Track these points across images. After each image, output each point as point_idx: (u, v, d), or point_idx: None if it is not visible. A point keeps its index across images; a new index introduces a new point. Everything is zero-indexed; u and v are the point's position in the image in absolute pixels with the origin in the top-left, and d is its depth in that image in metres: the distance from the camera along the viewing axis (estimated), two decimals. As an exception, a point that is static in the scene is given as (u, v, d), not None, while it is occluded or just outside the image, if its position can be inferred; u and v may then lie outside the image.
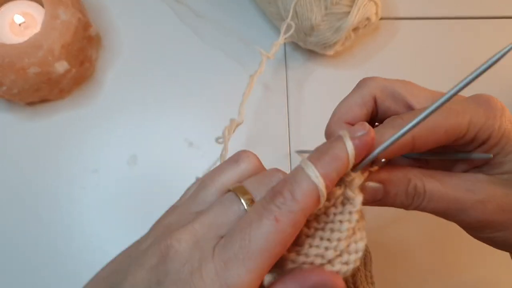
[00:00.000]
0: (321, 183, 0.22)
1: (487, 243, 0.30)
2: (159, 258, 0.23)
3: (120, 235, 0.48)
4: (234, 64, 0.55)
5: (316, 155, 0.23)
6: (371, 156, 0.25)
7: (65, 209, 0.49)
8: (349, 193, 0.24)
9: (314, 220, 0.25)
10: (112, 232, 0.48)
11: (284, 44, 0.55)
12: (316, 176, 0.22)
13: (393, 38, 0.56)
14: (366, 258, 0.34)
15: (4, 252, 0.48)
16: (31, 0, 0.50)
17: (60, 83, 0.49)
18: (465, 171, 0.29)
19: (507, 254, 0.32)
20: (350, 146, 0.23)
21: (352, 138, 0.24)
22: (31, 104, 0.52)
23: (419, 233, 0.49)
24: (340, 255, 0.24)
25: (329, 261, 0.24)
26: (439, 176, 0.28)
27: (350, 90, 0.55)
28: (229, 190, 0.25)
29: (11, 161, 0.51)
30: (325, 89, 0.54)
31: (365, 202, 0.25)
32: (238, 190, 0.24)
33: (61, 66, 0.47)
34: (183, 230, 0.23)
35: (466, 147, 0.28)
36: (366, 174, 0.26)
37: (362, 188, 0.25)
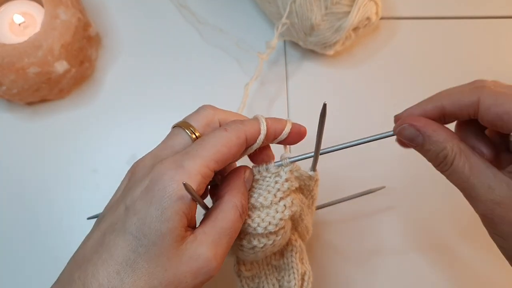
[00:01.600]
0: (264, 123, 0.32)
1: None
2: (128, 177, 0.32)
3: (120, 235, 0.47)
4: (234, 64, 0.55)
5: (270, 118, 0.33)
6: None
7: (65, 209, 0.49)
8: (282, 172, 0.33)
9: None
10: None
11: (284, 43, 0.55)
12: (263, 121, 0.32)
13: (393, 37, 0.56)
14: (304, 275, 0.38)
15: (4, 252, 0.48)
16: (31, 0, 0.50)
17: (59, 83, 0.49)
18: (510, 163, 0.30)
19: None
20: (289, 124, 0.34)
21: (293, 125, 0.34)
22: (31, 104, 0.52)
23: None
24: (268, 207, 0.33)
25: (258, 209, 0.33)
26: (474, 159, 0.29)
27: (350, 90, 0.55)
28: (175, 126, 0.34)
29: (11, 160, 0.51)
30: (325, 89, 0.54)
31: (406, 141, 0.31)
32: (179, 124, 0.34)
33: (60, 66, 0.47)
34: (145, 156, 0.32)
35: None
36: (295, 167, 0.35)
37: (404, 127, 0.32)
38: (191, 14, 0.55)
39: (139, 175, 0.30)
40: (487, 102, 0.29)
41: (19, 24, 0.49)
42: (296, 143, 0.34)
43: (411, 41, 0.56)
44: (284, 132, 0.33)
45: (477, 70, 0.55)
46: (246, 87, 0.50)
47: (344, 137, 0.53)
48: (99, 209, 0.50)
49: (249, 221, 0.32)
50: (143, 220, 0.28)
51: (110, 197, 0.50)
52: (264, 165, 0.33)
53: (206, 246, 0.28)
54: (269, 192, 0.33)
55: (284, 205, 0.33)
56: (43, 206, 0.49)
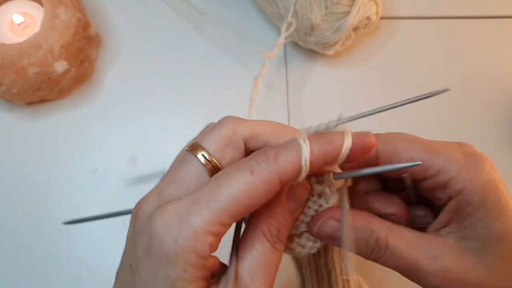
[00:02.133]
0: (307, 155, 0.23)
1: None
2: (132, 224, 0.26)
3: (120, 235, 0.47)
4: (234, 63, 0.54)
5: (315, 135, 0.24)
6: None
7: (65, 208, 0.49)
8: (327, 190, 0.27)
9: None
10: (112, 232, 0.48)
11: (284, 44, 0.55)
12: (306, 149, 0.23)
13: (393, 37, 0.56)
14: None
15: (3, 252, 0.48)
16: (31, 0, 0.50)
17: (59, 83, 0.49)
18: (442, 227, 0.27)
19: None
20: (348, 139, 0.24)
21: (353, 135, 0.24)
22: (30, 104, 0.52)
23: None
24: (300, 235, 0.27)
25: (289, 236, 0.27)
26: (407, 235, 0.26)
27: (350, 90, 0.55)
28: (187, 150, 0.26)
29: (10, 160, 0.51)
30: (325, 89, 0.54)
31: (325, 238, 0.27)
32: (190, 147, 0.25)
33: (60, 66, 0.47)
34: (149, 192, 0.26)
35: (436, 193, 0.27)
36: (348, 182, 0.27)
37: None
38: (191, 13, 0.55)
39: (140, 223, 0.25)
40: (384, 152, 0.27)
41: (19, 24, 0.49)
42: (361, 158, 0.25)
43: (411, 41, 0.56)
44: (341, 155, 0.24)
45: (477, 69, 0.55)
46: (255, 81, 0.49)
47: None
48: (99, 209, 0.50)
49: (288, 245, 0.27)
50: None
51: (110, 197, 0.50)
52: None
53: None
54: (305, 214, 0.27)
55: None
56: (43, 206, 0.49)
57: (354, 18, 0.48)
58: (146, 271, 0.23)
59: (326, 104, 0.53)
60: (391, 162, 0.26)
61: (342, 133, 0.24)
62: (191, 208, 0.23)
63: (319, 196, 0.27)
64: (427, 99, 0.30)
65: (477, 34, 0.57)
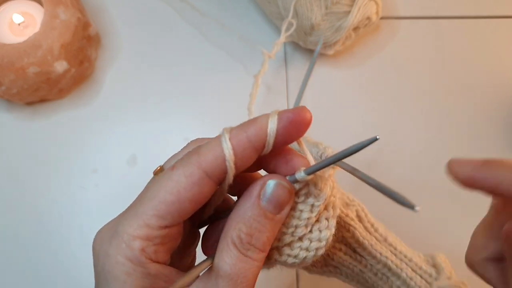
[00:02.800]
0: (227, 140, 0.22)
1: None
2: None
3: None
4: (233, 63, 0.54)
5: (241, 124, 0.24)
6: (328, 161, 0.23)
7: (65, 208, 0.49)
8: (312, 188, 0.25)
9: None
10: (112, 232, 0.48)
11: (285, 43, 0.55)
12: (226, 136, 0.22)
13: (393, 37, 0.56)
14: (358, 212, 0.33)
15: (4, 252, 0.48)
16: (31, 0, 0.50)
17: (59, 82, 0.49)
18: None
19: None
20: (273, 118, 0.23)
21: (281, 114, 0.23)
22: (30, 104, 0.52)
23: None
24: (300, 239, 0.25)
25: (287, 244, 0.25)
26: None
27: (350, 90, 0.55)
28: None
29: (10, 160, 0.51)
30: (325, 89, 0.54)
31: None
32: (155, 171, 0.25)
33: (60, 66, 0.47)
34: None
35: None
36: (331, 172, 0.25)
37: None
38: (190, 13, 0.55)
39: (92, 252, 0.24)
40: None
41: (19, 24, 0.49)
42: (300, 136, 0.24)
43: (411, 41, 0.56)
44: (269, 136, 0.23)
45: (477, 69, 0.55)
46: (256, 77, 0.49)
47: (344, 137, 0.53)
48: (99, 209, 0.50)
49: (276, 257, 0.25)
50: None
51: (110, 197, 0.50)
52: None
53: None
54: (298, 218, 0.25)
55: (319, 230, 0.25)
56: (43, 206, 0.49)
57: (354, 18, 0.48)
58: None
59: (326, 104, 0.53)
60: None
61: (267, 115, 0.23)
62: (120, 218, 0.22)
63: (307, 196, 0.25)
64: None
65: (477, 34, 0.57)
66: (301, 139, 0.24)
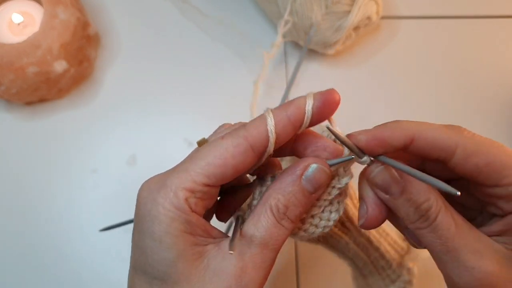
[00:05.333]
0: (271, 118, 0.26)
1: None
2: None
3: (120, 235, 0.47)
4: (234, 63, 0.54)
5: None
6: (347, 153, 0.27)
7: (64, 208, 0.49)
8: (341, 170, 0.27)
9: None
10: (112, 232, 0.48)
11: (284, 43, 0.55)
12: (270, 116, 0.26)
13: (394, 37, 0.56)
14: (346, 190, 0.34)
15: (4, 252, 0.48)
16: (30, -1, 0.50)
17: (58, 82, 0.49)
18: (493, 234, 0.26)
19: None
20: (310, 99, 0.26)
21: (316, 95, 0.27)
22: (29, 103, 0.52)
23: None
24: (312, 217, 0.28)
25: (301, 220, 0.28)
26: (459, 219, 0.25)
27: (350, 89, 0.55)
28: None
29: (10, 160, 0.50)
30: (325, 88, 0.54)
31: (379, 189, 0.26)
32: (200, 141, 0.28)
33: (60, 66, 0.47)
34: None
35: (500, 203, 0.25)
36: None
37: (387, 168, 0.26)
38: (190, 13, 0.55)
39: (138, 200, 0.27)
40: (467, 149, 0.25)
41: (18, 24, 0.49)
42: (331, 115, 0.27)
43: (412, 41, 0.56)
44: (306, 116, 0.26)
45: (477, 69, 0.55)
46: (255, 85, 0.49)
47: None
48: (99, 209, 0.50)
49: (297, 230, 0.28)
50: (143, 253, 0.25)
51: (110, 197, 0.50)
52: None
53: (231, 259, 0.25)
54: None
55: (330, 212, 0.28)
56: (42, 206, 0.49)
57: (354, 18, 0.48)
58: (137, 237, 0.26)
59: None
60: (468, 160, 0.25)
61: (304, 96, 0.26)
62: (170, 173, 0.26)
63: (332, 177, 0.27)
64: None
65: (477, 34, 0.57)
66: (331, 117, 0.27)
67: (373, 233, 0.35)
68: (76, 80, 0.52)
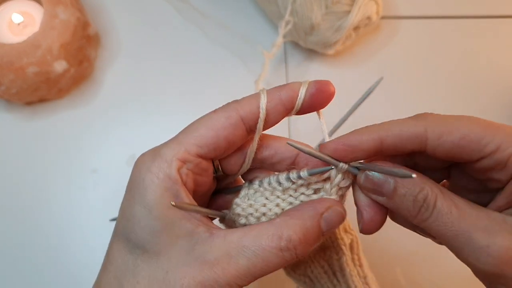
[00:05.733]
0: (263, 96, 0.27)
1: None
2: None
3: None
4: (234, 63, 0.54)
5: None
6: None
7: (64, 208, 0.49)
8: (326, 186, 0.28)
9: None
10: (111, 232, 0.48)
11: (284, 43, 0.55)
12: (264, 94, 0.27)
13: (394, 37, 0.56)
14: (352, 243, 0.35)
15: (3, 252, 0.48)
16: (30, -1, 0.50)
17: (59, 82, 0.49)
18: (502, 209, 0.25)
19: None
20: (305, 86, 0.27)
21: (311, 83, 0.27)
22: (29, 103, 0.52)
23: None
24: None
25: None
26: (460, 202, 0.24)
27: (350, 89, 0.55)
28: None
29: (9, 160, 0.50)
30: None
31: (372, 190, 0.26)
32: None
33: (60, 66, 0.47)
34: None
35: (494, 174, 0.25)
36: (349, 179, 0.28)
37: (366, 177, 0.27)
38: (190, 13, 0.55)
39: (133, 170, 0.28)
40: (436, 130, 0.25)
41: (18, 24, 0.49)
42: (323, 106, 0.28)
43: (411, 41, 0.56)
44: (299, 98, 0.27)
45: (477, 69, 0.55)
46: (256, 84, 0.49)
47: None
48: (98, 209, 0.50)
49: None
50: (130, 219, 0.25)
51: (109, 198, 0.50)
52: (295, 172, 0.27)
53: (217, 255, 0.24)
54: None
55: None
56: (42, 206, 0.49)
57: (354, 18, 0.48)
58: (125, 204, 0.26)
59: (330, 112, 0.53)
60: (442, 140, 0.25)
61: (299, 82, 0.27)
62: (164, 145, 0.26)
63: (315, 192, 0.28)
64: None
65: (477, 34, 0.57)
66: (321, 111, 0.28)
67: None
68: (76, 80, 0.52)
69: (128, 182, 0.26)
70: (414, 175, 0.22)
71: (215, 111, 0.27)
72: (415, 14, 0.57)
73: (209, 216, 0.27)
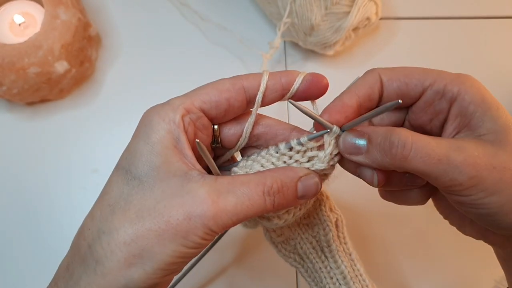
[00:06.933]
0: (265, 74, 0.30)
1: (483, 223, 0.28)
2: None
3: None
4: (235, 63, 0.55)
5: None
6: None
7: (65, 209, 0.49)
8: (321, 154, 0.30)
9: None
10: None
11: (284, 44, 0.55)
12: (266, 73, 0.30)
13: (393, 38, 0.56)
14: (337, 221, 0.37)
15: (4, 252, 0.48)
16: (31, 0, 0.50)
17: (60, 83, 0.49)
18: (454, 134, 0.30)
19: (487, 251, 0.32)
20: (302, 74, 0.30)
21: (308, 74, 0.30)
22: (31, 104, 0.52)
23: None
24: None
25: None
26: (427, 137, 0.27)
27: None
28: None
29: (11, 160, 0.51)
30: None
31: (352, 153, 0.29)
32: None
33: (61, 66, 0.47)
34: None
35: (437, 105, 0.30)
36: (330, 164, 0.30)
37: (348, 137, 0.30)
38: (191, 14, 0.55)
39: (144, 114, 0.31)
40: (387, 74, 0.30)
41: (19, 24, 0.49)
42: (317, 97, 0.31)
43: (411, 41, 0.56)
44: (295, 83, 0.30)
45: (477, 69, 0.55)
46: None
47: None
48: (99, 209, 0.50)
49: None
50: (133, 154, 0.28)
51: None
52: (295, 140, 0.30)
53: (208, 191, 0.26)
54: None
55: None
56: (43, 206, 0.49)
57: (354, 19, 0.48)
58: (132, 141, 0.29)
59: (326, 104, 0.53)
60: (392, 80, 0.30)
61: (298, 71, 0.31)
62: (174, 97, 0.29)
63: (309, 160, 0.30)
64: None
65: (477, 34, 0.57)
66: (315, 101, 0.31)
67: (349, 269, 0.37)
68: (77, 80, 0.52)
69: (138, 124, 0.29)
70: (400, 101, 0.25)
71: (223, 78, 0.30)
72: (414, 15, 0.57)
73: (211, 170, 0.30)
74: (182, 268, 0.28)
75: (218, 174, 0.30)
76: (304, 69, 0.55)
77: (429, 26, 0.57)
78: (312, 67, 0.55)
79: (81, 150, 0.51)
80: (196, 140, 0.27)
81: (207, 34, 0.55)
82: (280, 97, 0.31)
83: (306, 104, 0.30)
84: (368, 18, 0.50)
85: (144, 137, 0.28)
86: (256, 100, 0.30)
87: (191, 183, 0.27)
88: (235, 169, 0.31)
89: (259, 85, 0.30)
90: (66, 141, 0.51)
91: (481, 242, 0.31)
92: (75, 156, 0.51)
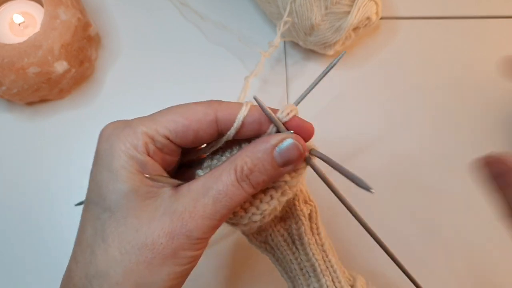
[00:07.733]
0: (245, 105, 0.28)
1: None
2: None
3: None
4: (235, 64, 0.54)
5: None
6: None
7: (65, 209, 0.49)
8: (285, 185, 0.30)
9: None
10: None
11: (284, 43, 0.55)
12: (245, 106, 0.28)
13: (393, 37, 0.56)
14: (311, 213, 0.37)
15: (4, 252, 0.48)
16: (31, 0, 0.50)
17: (59, 83, 0.49)
18: None
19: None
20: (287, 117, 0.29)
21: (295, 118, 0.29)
22: (30, 104, 0.52)
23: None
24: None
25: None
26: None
27: (350, 90, 0.55)
28: None
29: (10, 161, 0.51)
30: (325, 89, 0.54)
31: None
32: None
33: (60, 66, 0.47)
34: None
35: None
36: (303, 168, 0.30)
37: None
38: (192, 13, 0.55)
39: (101, 135, 0.29)
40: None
41: (19, 24, 0.49)
42: (308, 138, 0.29)
43: (411, 41, 0.56)
44: (272, 125, 0.28)
45: (477, 69, 0.55)
46: (246, 79, 0.49)
47: (344, 137, 0.53)
48: (99, 209, 0.50)
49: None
50: (99, 184, 0.27)
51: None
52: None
53: (183, 203, 0.25)
54: None
55: (261, 201, 0.30)
56: (43, 206, 0.49)
57: (354, 18, 0.48)
58: (94, 169, 0.28)
59: (326, 104, 0.53)
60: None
61: (287, 106, 0.29)
62: (138, 118, 0.28)
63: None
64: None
65: (477, 34, 0.57)
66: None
67: (319, 262, 0.37)
68: (77, 80, 0.52)
69: (97, 147, 0.28)
70: (373, 191, 0.23)
71: (196, 103, 0.28)
72: (415, 14, 0.57)
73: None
74: (184, 281, 0.27)
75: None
76: (304, 69, 0.55)
77: (430, 25, 0.57)
78: (312, 67, 0.55)
79: (81, 150, 0.51)
80: (145, 175, 0.25)
81: (207, 34, 0.55)
82: (257, 134, 0.28)
83: (310, 98, 0.29)
84: (368, 18, 0.50)
85: (106, 165, 0.26)
86: (226, 134, 0.28)
87: (164, 202, 0.26)
88: (199, 171, 0.30)
89: (233, 119, 0.27)
90: (66, 141, 0.51)
91: None
92: (75, 156, 0.51)
